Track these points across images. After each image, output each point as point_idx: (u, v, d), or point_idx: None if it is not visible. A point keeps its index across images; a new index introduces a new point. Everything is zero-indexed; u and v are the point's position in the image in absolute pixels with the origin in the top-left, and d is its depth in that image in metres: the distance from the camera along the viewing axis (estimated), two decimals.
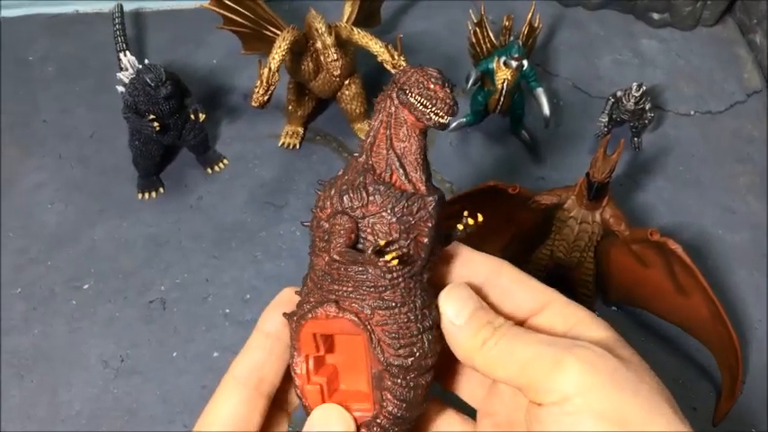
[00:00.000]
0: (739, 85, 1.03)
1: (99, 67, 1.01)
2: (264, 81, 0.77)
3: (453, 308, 0.36)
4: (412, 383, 0.36)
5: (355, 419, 0.37)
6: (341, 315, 0.35)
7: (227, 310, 0.81)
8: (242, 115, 0.97)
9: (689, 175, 0.93)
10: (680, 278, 0.71)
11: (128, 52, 0.87)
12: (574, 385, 0.31)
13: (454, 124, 0.91)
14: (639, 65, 1.05)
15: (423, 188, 0.36)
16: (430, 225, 0.35)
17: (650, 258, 0.72)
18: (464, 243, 0.39)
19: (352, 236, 0.35)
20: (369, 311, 0.35)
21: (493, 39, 0.89)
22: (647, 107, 0.89)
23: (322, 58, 0.83)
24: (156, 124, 0.81)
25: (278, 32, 0.84)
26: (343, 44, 0.84)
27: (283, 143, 0.94)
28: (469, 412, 0.41)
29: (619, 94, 0.89)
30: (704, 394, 0.77)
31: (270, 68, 0.77)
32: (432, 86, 0.34)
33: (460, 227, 0.38)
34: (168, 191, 0.90)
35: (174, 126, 0.85)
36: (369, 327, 0.35)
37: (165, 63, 0.88)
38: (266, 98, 0.78)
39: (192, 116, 0.86)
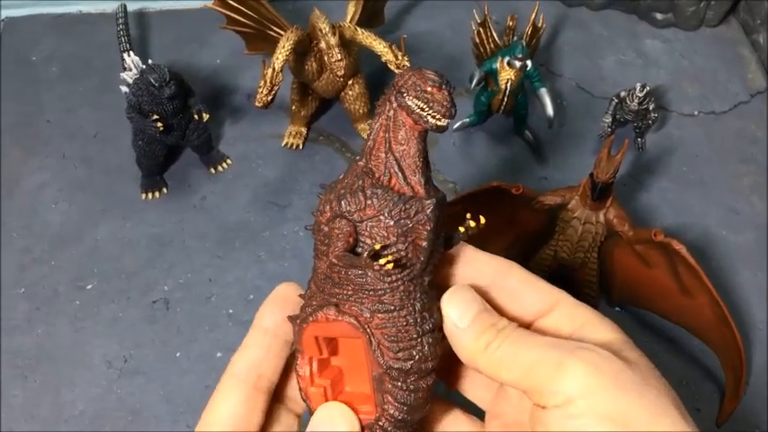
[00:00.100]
0: (743, 85, 1.03)
1: (102, 68, 1.01)
2: (268, 81, 0.77)
3: (456, 310, 0.36)
4: (412, 386, 0.35)
5: (360, 421, 0.37)
6: (340, 318, 0.35)
7: (231, 311, 0.81)
8: (245, 115, 0.97)
9: (693, 176, 0.93)
10: (684, 279, 0.71)
11: (131, 52, 0.87)
12: (577, 388, 0.31)
13: (457, 124, 0.91)
14: (643, 65, 1.05)
15: (421, 191, 0.35)
16: (428, 228, 0.35)
17: (654, 259, 0.72)
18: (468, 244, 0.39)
19: (351, 239, 0.35)
20: (368, 314, 0.35)
21: (496, 39, 0.89)
22: (650, 107, 0.89)
23: (326, 58, 0.83)
24: (159, 124, 0.81)
25: (281, 32, 0.84)
26: (346, 44, 0.84)
27: (286, 143, 0.94)
28: (477, 413, 0.41)
29: (622, 94, 0.89)
30: (708, 395, 0.76)
31: (273, 68, 0.78)
32: (429, 89, 0.34)
33: (462, 229, 0.38)
34: (172, 191, 0.90)
35: (177, 126, 0.85)
36: (368, 330, 0.35)
37: (169, 63, 0.88)
38: (270, 98, 0.78)
39: (196, 116, 0.86)
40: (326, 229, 0.36)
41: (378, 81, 0.94)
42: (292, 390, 0.39)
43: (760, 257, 0.86)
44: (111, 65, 0.96)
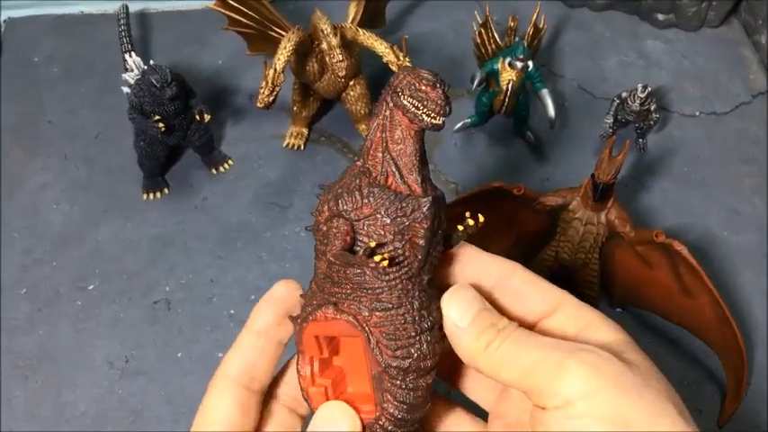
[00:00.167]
0: (744, 85, 1.03)
1: (104, 68, 1.01)
2: (269, 82, 0.77)
3: (457, 310, 0.36)
4: (411, 385, 0.36)
5: (362, 420, 0.37)
6: (338, 317, 0.35)
7: (232, 311, 0.81)
8: (247, 116, 0.97)
9: (694, 177, 0.93)
10: (685, 280, 0.71)
11: (133, 53, 0.87)
12: (577, 389, 0.31)
13: (459, 125, 0.91)
14: (644, 66, 1.05)
15: (418, 190, 0.36)
16: (425, 226, 0.35)
17: (655, 260, 0.72)
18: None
19: (348, 238, 0.35)
20: (366, 313, 0.35)
21: (498, 40, 0.89)
22: (652, 108, 0.89)
23: (327, 58, 0.83)
24: (161, 125, 0.82)
25: (283, 33, 0.84)
26: (348, 45, 0.84)
27: (288, 144, 0.94)
28: (480, 414, 0.41)
29: (624, 95, 0.89)
30: (709, 396, 0.76)
31: (275, 69, 0.78)
32: (423, 88, 0.34)
33: (461, 228, 0.38)
34: (173, 191, 0.90)
35: (179, 127, 0.85)
36: (367, 328, 0.35)
37: (171, 64, 0.88)
38: (271, 99, 0.78)
39: (198, 117, 0.86)
40: (325, 228, 0.36)
41: (379, 82, 0.94)
42: (295, 390, 0.39)
43: (761, 258, 0.86)
44: (112, 65, 0.96)
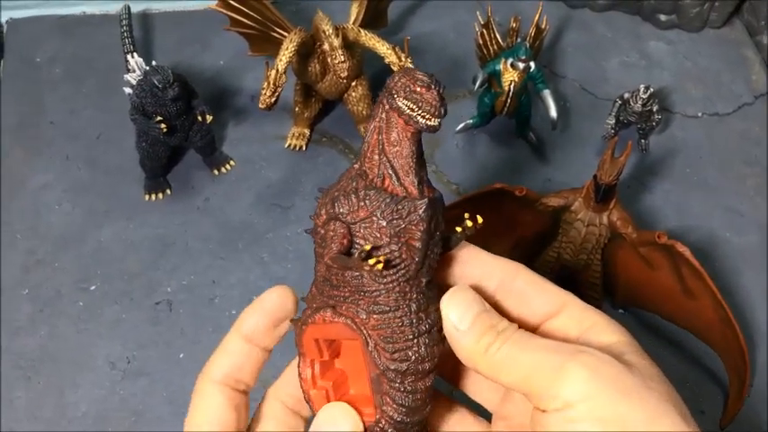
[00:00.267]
0: (747, 86, 1.03)
1: (106, 69, 1.01)
2: (271, 83, 0.77)
3: (456, 312, 0.35)
4: (410, 388, 0.35)
5: (364, 422, 0.37)
6: (336, 319, 0.35)
7: (234, 312, 0.81)
8: (249, 117, 0.97)
9: (696, 177, 0.93)
10: (687, 281, 0.71)
11: (135, 54, 0.87)
12: (577, 392, 0.31)
13: (460, 126, 0.91)
14: (647, 66, 1.05)
15: (414, 192, 0.35)
16: (421, 228, 0.34)
17: (658, 261, 0.72)
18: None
19: (345, 241, 0.35)
20: (364, 316, 0.35)
21: (500, 40, 0.89)
22: (654, 109, 0.89)
23: (329, 59, 0.83)
24: (163, 126, 0.82)
25: (285, 34, 0.84)
26: (350, 46, 0.84)
27: (290, 145, 0.94)
28: (483, 414, 0.41)
29: (626, 95, 0.89)
30: (712, 397, 0.76)
31: (277, 70, 0.78)
32: (418, 89, 0.34)
33: (459, 230, 0.38)
34: (175, 192, 0.90)
35: (180, 127, 0.85)
36: (364, 331, 0.35)
37: (172, 64, 0.88)
38: (273, 100, 0.78)
39: (199, 118, 0.86)
40: (323, 231, 0.36)
41: (381, 83, 0.92)
42: (297, 391, 0.39)
43: (763, 259, 0.86)
44: (114, 66, 0.96)
